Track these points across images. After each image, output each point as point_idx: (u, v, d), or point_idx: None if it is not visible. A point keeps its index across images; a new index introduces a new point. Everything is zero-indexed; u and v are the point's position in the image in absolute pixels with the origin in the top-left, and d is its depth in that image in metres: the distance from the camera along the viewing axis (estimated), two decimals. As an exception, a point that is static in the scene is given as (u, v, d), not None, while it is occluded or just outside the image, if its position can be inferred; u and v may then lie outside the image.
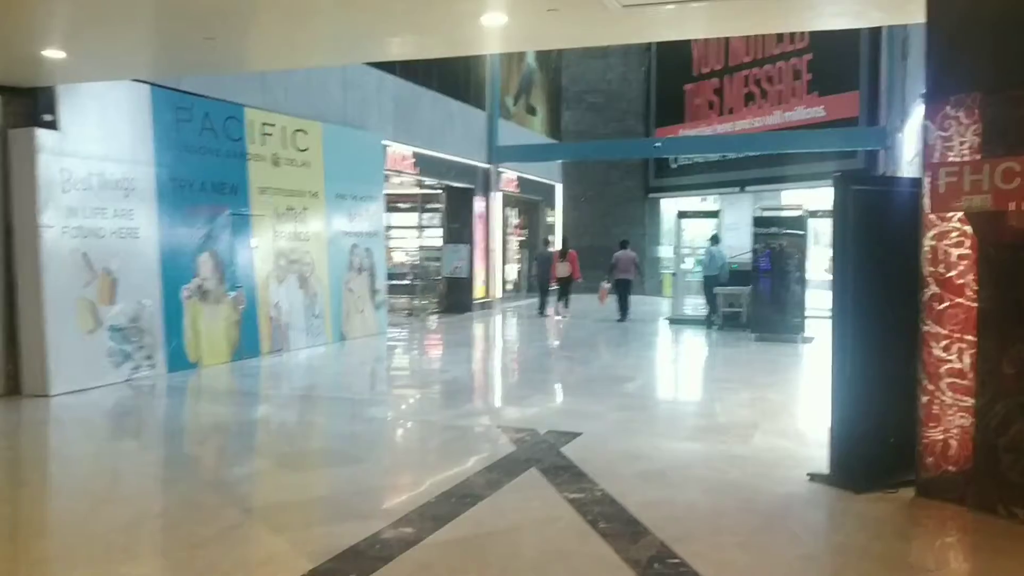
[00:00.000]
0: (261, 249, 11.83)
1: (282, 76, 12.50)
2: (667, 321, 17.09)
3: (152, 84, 9.99)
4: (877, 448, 5.66)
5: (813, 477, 5.80)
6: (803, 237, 13.86)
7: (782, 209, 15.41)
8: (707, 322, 15.80)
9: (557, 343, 14.56)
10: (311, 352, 12.26)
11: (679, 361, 12.64)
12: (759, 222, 14.19)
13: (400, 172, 16.05)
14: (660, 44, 24.80)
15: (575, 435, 6.92)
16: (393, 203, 24.98)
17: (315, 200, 12.99)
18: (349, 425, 7.54)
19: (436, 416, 7.95)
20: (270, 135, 12.05)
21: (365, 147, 14.40)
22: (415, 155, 16.39)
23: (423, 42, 7.08)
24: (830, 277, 5.95)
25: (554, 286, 18.42)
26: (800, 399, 9.08)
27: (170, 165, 10.33)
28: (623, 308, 17.23)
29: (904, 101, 13.03)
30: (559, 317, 17.88)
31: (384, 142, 15.07)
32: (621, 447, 6.63)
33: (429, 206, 23.58)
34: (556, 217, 25.14)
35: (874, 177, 7.52)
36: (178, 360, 10.29)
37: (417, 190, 21.51)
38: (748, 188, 22.43)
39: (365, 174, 14.33)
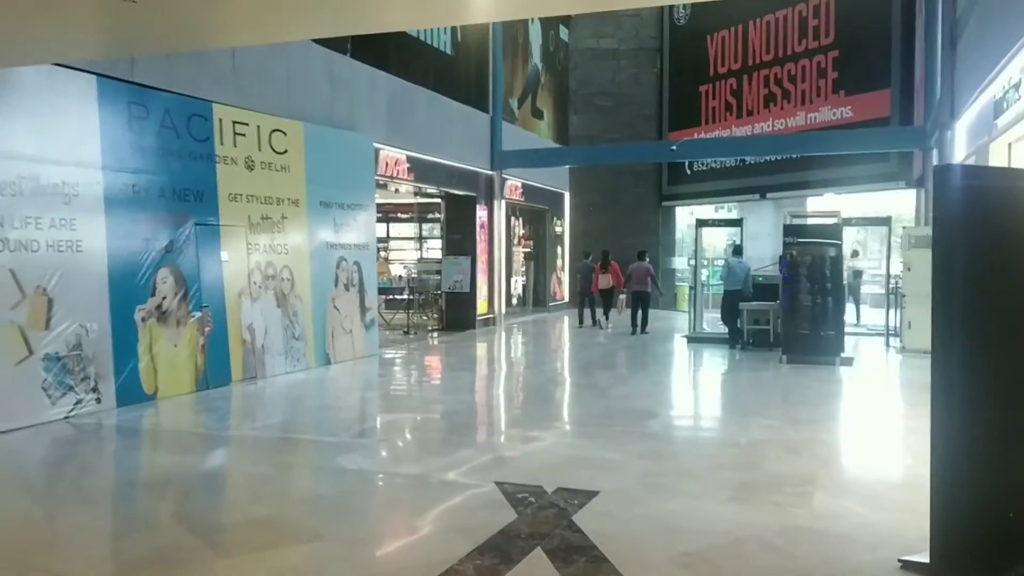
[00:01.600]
0: (232, 263, 10.48)
1: (258, 70, 11.19)
2: (685, 339, 15.69)
3: (99, 75, 8.68)
4: (993, 526, 4.27)
5: (906, 565, 4.40)
6: (839, 247, 12.45)
7: (815, 217, 14.00)
8: (730, 341, 14.37)
9: (567, 367, 13.17)
10: (290, 379, 10.90)
11: (705, 389, 11.21)
12: (790, 231, 12.77)
13: (393, 178, 14.70)
14: (673, 43, 23.55)
15: (591, 495, 5.54)
16: (391, 212, 23.91)
17: (295, 208, 11.64)
18: (314, 481, 6.15)
19: (421, 467, 6.56)
20: (243, 135, 10.72)
21: (354, 150, 13.06)
22: (410, 160, 15.05)
23: (407, 6, 5.74)
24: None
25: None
26: (859, 441, 7.65)
27: (121, 168, 9.00)
28: (635, 321, 16.82)
29: (952, 94, 11.62)
30: (605, 328, 17.67)
31: (375, 145, 13.73)
32: (649, 513, 5.24)
33: (430, 216, 22.37)
34: (564, 227, 23.77)
35: (989, 169, 6.10)
36: (131, 392, 8.93)
37: (417, 199, 20.27)
38: (769, 195, 21.04)
39: (353, 180, 12.99)
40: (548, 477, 5.98)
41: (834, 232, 12.53)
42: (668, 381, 11.70)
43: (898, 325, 14.52)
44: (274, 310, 11.19)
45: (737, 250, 14.80)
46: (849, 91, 18.59)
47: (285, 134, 11.42)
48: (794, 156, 19.60)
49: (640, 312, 16.79)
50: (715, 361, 13.14)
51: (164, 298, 9.48)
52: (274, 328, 11.15)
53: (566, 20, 23.80)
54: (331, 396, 10.24)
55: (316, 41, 12.35)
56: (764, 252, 20.57)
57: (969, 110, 10.57)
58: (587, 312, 18.60)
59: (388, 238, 24.39)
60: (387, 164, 14.30)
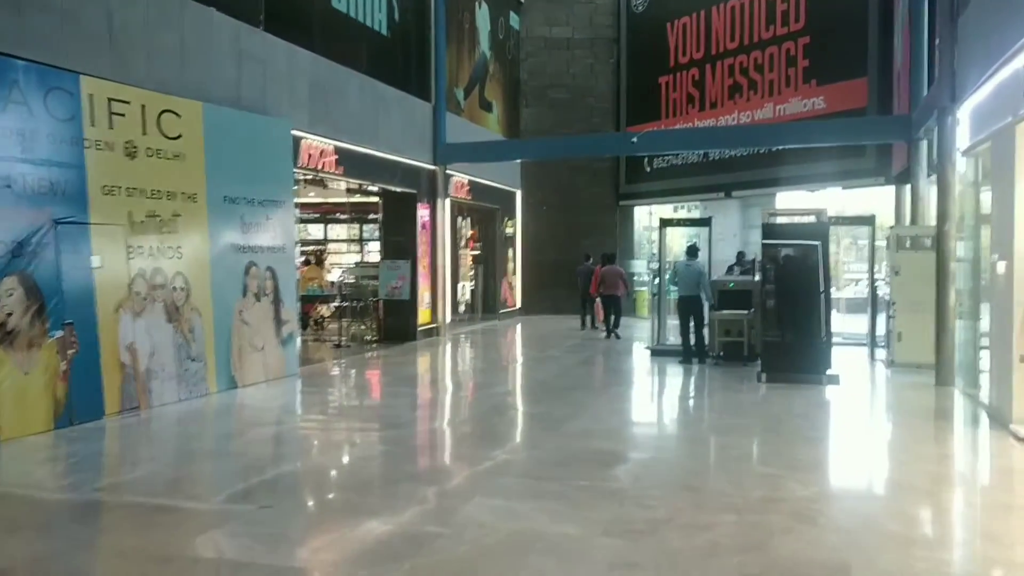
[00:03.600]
0: (106, 270, 8.59)
1: (143, 38, 9.31)
2: (648, 351, 14.11)
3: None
4: None
5: None
6: (824, 248, 10.93)
7: (796, 215, 12.49)
8: (683, 354, 12.72)
9: (517, 389, 11.47)
10: (182, 409, 9.04)
11: (678, 420, 9.47)
12: (769, 231, 11.23)
13: (318, 171, 12.86)
14: (631, 31, 22.07)
15: (539, 605, 3.84)
16: (329, 212, 22.02)
17: (192, 205, 9.77)
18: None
19: (306, 552, 4.79)
20: (122, 115, 8.82)
21: (267, 138, 11.20)
22: (339, 151, 13.23)
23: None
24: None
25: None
26: (886, 501, 6.02)
27: (-53, 151, 7.11)
28: (608, 325, 16.82)
29: (953, 74, 10.16)
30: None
31: (295, 133, 11.90)
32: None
33: (371, 216, 20.54)
34: (516, 228, 22.08)
35: None
36: (-41, 435, 7.04)
37: (356, 197, 18.49)
38: (735, 193, 19.60)
39: (267, 172, 11.14)
40: (480, 569, 4.27)
41: (820, 231, 11.00)
42: (633, 409, 10.02)
43: (884, 335, 13.10)
44: (163, 326, 9.31)
45: (691, 251, 13.15)
46: (821, 80, 17.17)
47: (179, 116, 9.55)
48: (761, 151, 18.19)
49: (613, 316, 16.76)
50: (684, 380, 11.55)
51: (10, 314, 7.57)
52: (163, 347, 9.28)
53: (516, 6, 22.14)
54: (225, 433, 8.39)
55: (220, 9, 10.54)
56: (730, 254, 19.18)
57: (979, 90, 9.09)
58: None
59: (326, 240, 22.56)
60: (310, 155, 12.46)
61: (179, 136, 9.55)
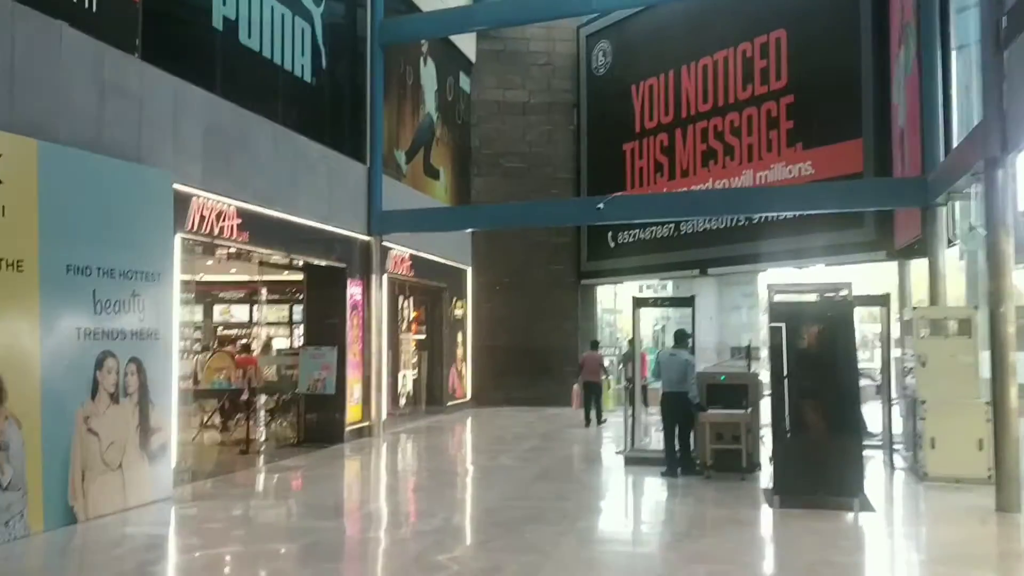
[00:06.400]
0: None
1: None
2: (621, 457, 11.60)
3: None
4: None
5: None
6: (851, 334, 8.65)
7: (809, 292, 10.28)
8: (667, 464, 10.26)
9: (465, 519, 8.82)
10: (-25, 564, 6.32)
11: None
12: (777, 312, 8.93)
13: (214, 238, 10.36)
14: (592, 95, 20.17)
15: None
16: (254, 292, 19.46)
17: (16, 276, 7.19)
18: None
19: None
20: (-97, 150, 6.33)
21: (138, 192, 8.70)
22: (243, 214, 10.77)
23: None
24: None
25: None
26: None
27: None
28: (588, 414, 16.10)
29: (1004, 117, 8.15)
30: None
31: (180, 187, 9.44)
32: None
33: (301, 296, 18.03)
34: (467, 309, 19.64)
35: None
36: None
37: (286, 274, 16.04)
38: (711, 270, 17.46)
39: (136, 236, 8.60)
40: None
41: (843, 313, 8.72)
42: (614, 558, 7.23)
43: (910, 438, 10.79)
44: (-42, 444, 6.63)
45: (679, 338, 10.81)
46: (808, 144, 15.24)
47: (-1, 156, 7.08)
48: (741, 223, 16.17)
49: (595, 403, 16.11)
50: (672, 505, 9.05)
51: None
52: (-45, 475, 6.58)
53: (467, 67, 20.19)
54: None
55: (76, 26, 8.16)
56: (706, 340, 16.97)
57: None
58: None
59: (251, 323, 19.98)
60: (203, 218, 9.98)
61: (-1, 183, 7.05)
